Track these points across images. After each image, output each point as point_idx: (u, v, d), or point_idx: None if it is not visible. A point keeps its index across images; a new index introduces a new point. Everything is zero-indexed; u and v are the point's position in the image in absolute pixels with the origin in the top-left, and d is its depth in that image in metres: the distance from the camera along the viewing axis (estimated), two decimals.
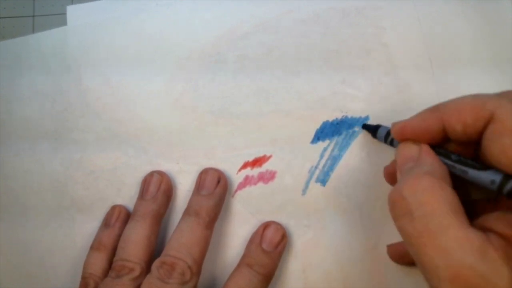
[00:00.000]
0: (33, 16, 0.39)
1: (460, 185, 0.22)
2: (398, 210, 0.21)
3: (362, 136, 0.32)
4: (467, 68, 0.32)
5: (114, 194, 0.34)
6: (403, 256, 0.29)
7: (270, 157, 0.32)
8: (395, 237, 0.30)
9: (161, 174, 0.32)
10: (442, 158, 0.23)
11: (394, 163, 0.28)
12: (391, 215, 0.21)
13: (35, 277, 0.33)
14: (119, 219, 0.32)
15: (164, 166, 0.33)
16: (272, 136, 0.33)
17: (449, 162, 0.22)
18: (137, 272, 0.28)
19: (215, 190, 0.31)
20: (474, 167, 0.21)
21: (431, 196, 0.20)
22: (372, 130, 0.30)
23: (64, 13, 0.37)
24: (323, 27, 0.34)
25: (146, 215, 0.30)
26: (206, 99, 0.34)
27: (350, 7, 0.34)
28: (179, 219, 0.30)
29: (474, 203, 0.24)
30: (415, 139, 0.24)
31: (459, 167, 0.22)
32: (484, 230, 0.19)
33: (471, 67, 0.32)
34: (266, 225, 0.30)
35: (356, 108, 0.32)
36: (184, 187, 0.33)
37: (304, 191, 0.32)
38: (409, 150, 0.24)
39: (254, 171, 0.32)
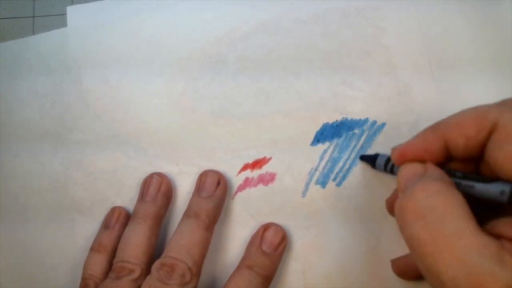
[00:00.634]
0: (33, 16, 0.38)
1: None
2: (409, 216, 0.20)
3: (362, 138, 0.32)
4: (467, 69, 0.32)
5: (114, 195, 0.34)
6: (409, 271, 0.28)
7: (270, 159, 0.32)
8: (395, 238, 0.30)
9: (161, 176, 0.32)
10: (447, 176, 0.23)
11: (396, 192, 0.28)
12: (399, 225, 0.20)
13: (35, 277, 0.33)
14: (119, 220, 0.32)
15: (164, 167, 0.33)
16: (272, 137, 0.33)
17: (455, 180, 0.22)
18: (137, 273, 0.28)
19: (215, 192, 0.31)
20: (480, 181, 0.21)
21: (445, 199, 0.19)
22: (371, 160, 0.30)
23: (64, 14, 0.36)
24: (323, 27, 0.34)
25: (146, 217, 0.30)
26: (206, 100, 0.34)
27: (350, 7, 0.34)
28: (179, 221, 0.30)
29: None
30: (417, 160, 0.24)
31: (464, 183, 0.22)
32: (495, 236, 0.19)
33: (471, 68, 0.32)
34: (266, 227, 0.30)
35: (356, 110, 0.32)
36: (184, 188, 0.33)
37: (304, 193, 0.32)
38: (413, 168, 0.23)
39: (254, 173, 0.32)
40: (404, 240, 0.20)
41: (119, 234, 0.31)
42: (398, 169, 0.24)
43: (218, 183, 0.31)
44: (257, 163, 0.32)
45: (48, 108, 0.35)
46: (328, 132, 0.32)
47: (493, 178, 0.21)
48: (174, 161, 0.33)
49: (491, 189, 0.20)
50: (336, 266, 0.31)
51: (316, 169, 0.32)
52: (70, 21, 0.36)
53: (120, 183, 0.34)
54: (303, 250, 0.31)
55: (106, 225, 0.32)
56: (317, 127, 0.32)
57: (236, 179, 0.32)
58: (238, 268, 0.29)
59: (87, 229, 0.33)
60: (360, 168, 0.31)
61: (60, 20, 0.37)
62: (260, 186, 0.32)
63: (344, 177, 0.31)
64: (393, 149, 0.25)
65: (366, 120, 0.32)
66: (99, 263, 0.30)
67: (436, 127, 0.23)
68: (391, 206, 0.28)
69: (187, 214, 0.30)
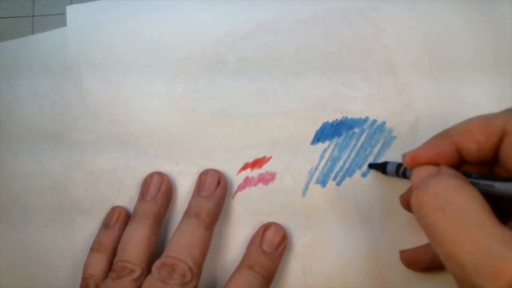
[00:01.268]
0: (33, 16, 0.38)
1: None
2: (428, 207, 0.20)
3: (362, 138, 0.32)
4: (467, 69, 0.32)
5: (114, 195, 0.34)
6: (418, 261, 0.29)
7: (270, 158, 0.32)
8: (395, 238, 0.30)
9: (161, 175, 0.32)
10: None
11: (410, 189, 0.28)
12: (417, 217, 0.21)
13: (35, 278, 0.33)
14: (119, 220, 0.32)
15: (164, 167, 0.33)
16: (272, 137, 0.33)
17: (472, 180, 0.22)
18: (137, 273, 0.28)
19: (215, 191, 0.31)
20: (500, 180, 0.21)
21: (462, 193, 0.20)
22: (380, 167, 0.30)
23: (63, 13, 0.36)
24: (323, 28, 0.34)
25: (147, 216, 0.30)
26: (206, 100, 0.34)
27: (350, 8, 0.34)
28: (179, 220, 0.30)
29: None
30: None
31: (483, 182, 0.22)
32: None
33: (471, 68, 0.32)
34: (266, 226, 0.30)
35: (356, 109, 0.32)
36: (184, 188, 0.33)
37: (304, 192, 0.32)
38: (428, 168, 0.24)
39: (254, 172, 0.32)
40: (423, 229, 0.20)
41: (119, 233, 0.31)
42: (412, 172, 0.24)
43: (219, 182, 0.31)
44: (257, 163, 0.32)
45: (48, 108, 0.35)
46: (328, 131, 0.32)
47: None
48: (174, 161, 0.33)
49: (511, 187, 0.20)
50: (336, 265, 0.31)
51: (316, 168, 0.32)
52: (70, 20, 0.36)
53: (120, 183, 0.34)
54: (303, 250, 0.31)
55: (106, 225, 0.32)
56: (317, 126, 0.32)
57: (236, 179, 0.32)
58: (239, 267, 0.29)
59: (87, 229, 0.33)
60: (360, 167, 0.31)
61: (59, 20, 0.37)
62: (260, 185, 0.32)
63: (344, 177, 0.31)
64: (405, 154, 0.25)
65: (366, 119, 0.32)
66: (99, 263, 0.30)
67: (445, 135, 0.24)
68: (405, 202, 0.28)
69: (187, 213, 0.30)
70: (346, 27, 0.33)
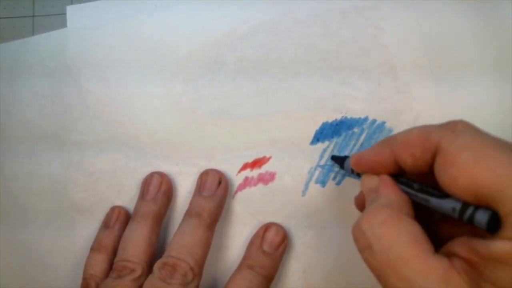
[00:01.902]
0: (33, 16, 0.39)
1: (426, 210, 0.23)
2: (360, 244, 0.21)
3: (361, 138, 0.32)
4: (466, 69, 0.32)
5: (114, 195, 0.34)
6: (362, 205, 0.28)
7: (269, 158, 0.32)
8: None
9: (161, 175, 0.32)
10: (404, 187, 0.23)
11: (361, 192, 0.28)
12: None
13: (35, 278, 0.33)
14: (118, 220, 0.32)
15: (164, 167, 0.33)
16: (271, 137, 0.33)
17: (412, 192, 0.23)
18: (138, 272, 0.28)
19: (216, 191, 0.31)
20: (435, 196, 0.21)
21: (389, 229, 0.20)
22: (340, 161, 0.30)
23: (64, 13, 0.36)
24: (323, 28, 0.34)
25: (147, 216, 0.30)
26: (206, 100, 0.34)
27: (349, 8, 0.34)
28: (179, 220, 0.30)
29: (440, 226, 0.24)
30: (372, 171, 0.25)
31: (421, 196, 0.22)
32: (450, 254, 0.20)
33: (471, 68, 0.32)
34: (267, 227, 0.31)
35: (355, 109, 0.32)
36: (184, 188, 0.33)
37: (304, 192, 0.32)
38: (370, 181, 0.25)
39: (254, 172, 0.32)
40: None
41: (119, 233, 0.31)
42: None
43: (219, 183, 0.31)
44: (257, 163, 0.32)
45: (48, 108, 0.35)
46: (328, 131, 0.32)
47: (447, 194, 0.21)
48: (174, 161, 0.33)
49: (444, 205, 0.21)
50: (336, 265, 0.31)
51: (316, 168, 0.32)
52: (70, 20, 0.36)
53: (120, 184, 0.34)
54: (304, 249, 0.31)
55: (106, 224, 0.32)
56: (316, 126, 0.32)
57: (236, 179, 0.32)
58: (239, 268, 0.29)
59: (87, 229, 0.33)
60: None
61: (60, 20, 0.37)
62: (260, 185, 0.32)
63: (343, 176, 0.31)
64: (352, 156, 0.26)
65: (365, 119, 0.32)
66: (99, 263, 0.30)
67: (387, 142, 0.24)
68: (358, 204, 0.29)
69: (188, 213, 0.30)
70: (345, 27, 0.33)
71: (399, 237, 0.20)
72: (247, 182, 0.32)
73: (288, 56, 0.34)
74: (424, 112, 0.31)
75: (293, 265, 0.31)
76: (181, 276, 0.27)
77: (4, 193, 0.35)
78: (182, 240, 0.29)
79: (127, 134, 0.34)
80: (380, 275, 0.20)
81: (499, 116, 0.31)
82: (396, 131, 0.31)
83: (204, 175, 0.32)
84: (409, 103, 0.32)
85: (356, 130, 0.32)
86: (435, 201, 0.21)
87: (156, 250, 0.31)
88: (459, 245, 0.20)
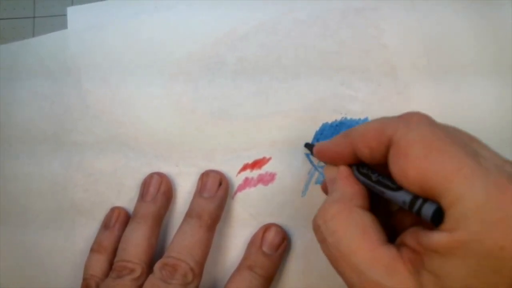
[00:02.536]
0: (34, 17, 0.39)
1: (389, 202, 0.24)
2: (317, 237, 0.23)
3: None
4: (466, 70, 0.32)
5: (114, 196, 0.34)
6: None
7: (269, 159, 0.32)
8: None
9: (161, 176, 0.32)
10: (363, 178, 0.24)
11: None
12: None
13: (35, 279, 0.33)
14: (118, 220, 0.32)
15: (163, 168, 0.33)
16: (271, 137, 0.33)
17: (370, 183, 0.23)
18: (138, 272, 0.28)
19: (217, 193, 0.31)
20: (389, 188, 0.22)
21: (339, 223, 0.22)
22: (311, 149, 0.30)
23: (64, 14, 0.37)
24: (322, 28, 0.34)
25: (147, 217, 0.30)
26: (206, 100, 0.34)
27: (349, 8, 0.34)
28: (179, 221, 0.30)
29: (400, 217, 0.25)
30: (332, 161, 0.26)
31: (378, 187, 0.23)
32: (401, 245, 0.21)
33: (470, 69, 0.32)
34: (266, 228, 0.31)
35: (355, 110, 0.32)
36: (184, 189, 0.33)
37: (303, 193, 0.32)
38: (330, 172, 0.26)
39: (254, 173, 0.32)
40: None
41: (119, 234, 0.31)
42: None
43: (220, 184, 0.31)
44: (257, 163, 0.32)
45: (48, 109, 0.35)
46: (328, 132, 0.32)
47: (400, 186, 0.21)
48: (174, 162, 0.33)
49: (397, 197, 0.21)
50: None
51: (315, 169, 0.32)
52: (71, 21, 0.36)
53: (120, 184, 0.34)
54: (303, 250, 0.31)
55: (105, 225, 0.32)
56: (316, 127, 0.32)
57: (236, 179, 0.32)
58: (239, 268, 0.29)
59: (87, 230, 0.33)
60: None
61: (60, 21, 0.37)
62: (260, 186, 0.32)
63: None
64: (315, 145, 0.27)
65: (365, 120, 0.32)
66: (99, 264, 0.30)
67: (347, 134, 0.24)
68: (324, 191, 0.29)
69: (189, 214, 0.30)
70: (345, 27, 0.33)
71: (348, 229, 0.21)
72: (247, 183, 0.32)
73: (288, 56, 0.34)
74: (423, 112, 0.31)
75: (293, 265, 0.31)
76: (181, 276, 0.27)
77: (4, 194, 0.35)
78: (182, 241, 0.29)
79: (127, 134, 0.34)
80: (335, 266, 0.22)
81: (498, 116, 0.31)
82: None
83: (205, 176, 0.32)
84: (409, 104, 0.32)
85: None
86: (389, 193, 0.22)
87: (156, 251, 0.31)
88: (409, 236, 0.21)
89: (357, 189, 0.24)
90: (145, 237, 0.30)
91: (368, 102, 0.32)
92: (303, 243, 0.31)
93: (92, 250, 0.31)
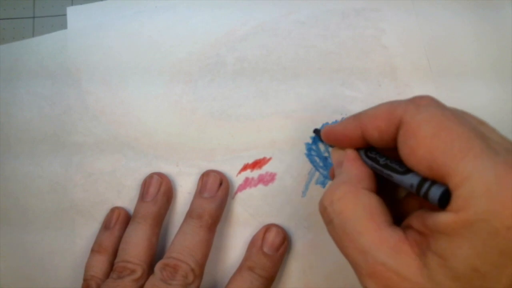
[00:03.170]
0: (33, 17, 0.38)
1: (396, 185, 0.24)
2: (323, 219, 0.23)
3: None
4: (466, 69, 0.32)
5: (114, 196, 0.34)
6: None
7: (270, 159, 0.32)
8: None
9: (161, 176, 0.32)
10: (371, 162, 0.24)
11: None
12: None
13: (35, 279, 0.33)
14: (118, 221, 0.32)
15: (163, 168, 0.33)
16: (272, 138, 0.33)
17: (377, 167, 0.24)
18: (138, 273, 0.28)
19: (217, 193, 0.31)
20: (397, 172, 0.22)
21: (346, 204, 0.22)
22: (319, 134, 0.30)
23: (64, 14, 0.37)
24: (322, 29, 0.34)
25: (147, 217, 0.30)
26: (206, 101, 0.34)
27: (349, 9, 0.34)
28: (179, 221, 0.30)
29: (407, 200, 0.25)
30: (340, 144, 0.26)
31: (386, 171, 0.23)
32: (407, 227, 0.21)
33: (470, 69, 0.32)
34: (267, 228, 0.31)
35: (355, 110, 0.32)
36: (184, 189, 0.33)
37: (304, 193, 0.32)
38: (337, 155, 0.26)
39: (254, 173, 0.32)
40: None
41: (119, 234, 0.31)
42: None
43: (220, 184, 0.31)
44: (257, 163, 0.32)
45: (48, 110, 0.35)
46: None
47: (409, 170, 0.21)
48: (174, 162, 0.33)
49: (405, 181, 0.21)
50: (336, 266, 0.31)
51: (316, 169, 0.32)
52: (70, 21, 0.36)
53: (120, 184, 0.34)
54: (304, 250, 0.31)
55: (106, 225, 0.32)
56: (316, 127, 0.32)
57: (236, 179, 0.32)
58: (239, 269, 0.29)
59: (87, 230, 0.33)
60: None
61: (60, 21, 0.37)
62: (260, 186, 0.32)
63: None
64: (323, 128, 0.27)
65: None
66: (100, 264, 0.30)
67: (356, 117, 0.24)
68: (332, 175, 0.29)
69: (189, 215, 0.30)
70: (345, 27, 0.34)
71: (355, 211, 0.21)
72: (247, 183, 0.32)
73: (288, 57, 0.34)
74: None
75: (293, 265, 0.31)
76: (182, 277, 0.27)
77: (4, 194, 0.35)
78: (183, 241, 0.29)
79: (127, 134, 0.34)
80: (341, 247, 0.22)
81: (498, 116, 0.31)
82: None
83: (205, 176, 0.32)
84: None
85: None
86: (397, 177, 0.22)
87: (157, 251, 0.31)
88: (415, 218, 0.21)
89: (365, 171, 0.24)
90: (146, 237, 0.30)
91: (368, 102, 0.32)
92: (304, 243, 0.31)
93: (92, 250, 0.31)
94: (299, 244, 0.31)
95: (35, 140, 0.35)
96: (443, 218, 0.18)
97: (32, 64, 0.36)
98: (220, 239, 0.32)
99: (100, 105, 0.35)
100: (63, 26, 0.36)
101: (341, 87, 0.33)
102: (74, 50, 0.36)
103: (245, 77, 0.34)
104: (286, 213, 0.32)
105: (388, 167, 0.23)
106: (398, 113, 0.21)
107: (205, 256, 0.29)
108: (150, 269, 0.29)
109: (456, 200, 0.18)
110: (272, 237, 0.30)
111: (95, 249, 0.31)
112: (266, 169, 0.32)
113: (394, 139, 0.22)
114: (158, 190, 0.32)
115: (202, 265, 0.28)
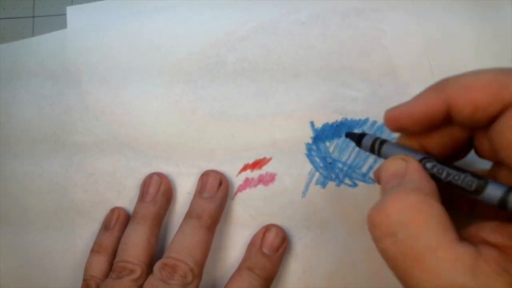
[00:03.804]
0: (33, 17, 0.38)
1: (446, 197, 0.20)
2: (379, 232, 0.19)
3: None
4: (466, 70, 0.32)
5: (114, 196, 0.34)
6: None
7: (270, 159, 0.32)
8: None
9: (161, 176, 0.32)
10: (438, 175, 0.20)
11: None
12: (371, 236, 0.19)
13: (35, 279, 0.33)
14: (118, 221, 0.32)
15: (164, 168, 0.33)
16: (272, 138, 0.33)
17: (443, 180, 0.20)
18: (137, 273, 0.28)
19: (217, 193, 0.31)
20: (469, 187, 0.19)
21: (418, 214, 0.18)
22: (357, 139, 0.26)
23: (64, 14, 0.36)
24: (323, 29, 0.34)
25: (146, 217, 0.30)
26: (206, 101, 0.34)
27: (349, 9, 0.34)
28: (179, 222, 0.30)
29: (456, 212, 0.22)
30: (414, 129, 0.21)
31: (457, 187, 0.20)
32: (475, 241, 0.18)
33: (470, 69, 0.32)
34: (266, 229, 0.30)
35: (355, 110, 0.32)
36: (184, 189, 0.33)
37: (304, 193, 0.32)
38: (395, 166, 0.21)
39: (254, 173, 0.32)
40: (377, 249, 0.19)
41: (119, 234, 0.31)
42: (385, 154, 0.22)
43: (220, 184, 0.31)
44: (257, 164, 0.32)
45: (48, 110, 0.35)
46: (328, 133, 0.32)
47: (480, 176, 0.18)
48: (174, 162, 0.33)
49: (485, 197, 0.19)
50: (336, 266, 0.31)
51: (316, 170, 0.32)
52: (70, 21, 0.36)
53: (120, 185, 0.34)
54: (304, 250, 0.31)
55: (105, 226, 0.32)
56: (317, 127, 0.32)
57: (236, 180, 0.32)
58: (239, 269, 0.29)
59: (87, 230, 0.33)
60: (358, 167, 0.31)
61: (60, 20, 0.37)
62: (260, 186, 0.32)
63: (344, 177, 0.31)
64: (387, 112, 0.21)
65: (366, 120, 0.32)
66: (100, 264, 0.30)
67: (441, 87, 0.20)
68: (375, 176, 0.25)
69: (189, 215, 0.30)
70: (345, 28, 0.33)
71: (428, 224, 0.18)
72: (247, 183, 0.32)
73: (288, 57, 0.34)
74: None
75: (293, 266, 0.31)
76: (181, 277, 0.27)
77: (4, 194, 0.35)
78: (182, 241, 0.29)
79: (127, 135, 0.34)
80: (401, 267, 0.18)
81: None
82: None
83: (205, 177, 0.32)
84: None
85: (356, 131, 0.32)
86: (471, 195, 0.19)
87: (156, 251, 0.31)
88: (490, 231, 0.18)
89: (433, 183, 0.20)
90: (145, 237, 0.30)
91: (368, 102, 0.32)
92: (304, 243, 0.31)
93: (92, 250, 0.31)
94: (299, 245, 0.31)
95: (35, 140, 0.35)
96: None
97: (32, 63, 0.36)
98: (220, 239, 0.32)
99: (100, 105, 0.35)
100: (63, 25, 0.36)
101: (341, 87, 0.33)
102: (74, 50, 0.36)
103: (245, 77, 0.34)
104: (286, 213, 0.32)
105: (453, 185, 0.19)
106: (510, 90, 0.17)
107: (204, 256, 0.29)
108: (149, 269, 0.29)
109: None
110: (272, 238, 0.30)
111: (95, 249, 0.31)
112: (266, 169, 0.32)
113: (490, 121, 0.18)
114: (158, 190, 0.32)
115: (201, 265, 0.28)
